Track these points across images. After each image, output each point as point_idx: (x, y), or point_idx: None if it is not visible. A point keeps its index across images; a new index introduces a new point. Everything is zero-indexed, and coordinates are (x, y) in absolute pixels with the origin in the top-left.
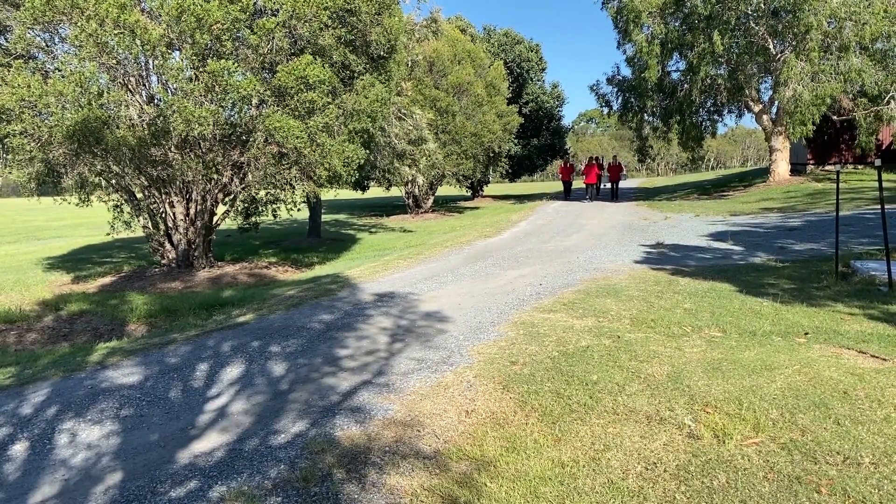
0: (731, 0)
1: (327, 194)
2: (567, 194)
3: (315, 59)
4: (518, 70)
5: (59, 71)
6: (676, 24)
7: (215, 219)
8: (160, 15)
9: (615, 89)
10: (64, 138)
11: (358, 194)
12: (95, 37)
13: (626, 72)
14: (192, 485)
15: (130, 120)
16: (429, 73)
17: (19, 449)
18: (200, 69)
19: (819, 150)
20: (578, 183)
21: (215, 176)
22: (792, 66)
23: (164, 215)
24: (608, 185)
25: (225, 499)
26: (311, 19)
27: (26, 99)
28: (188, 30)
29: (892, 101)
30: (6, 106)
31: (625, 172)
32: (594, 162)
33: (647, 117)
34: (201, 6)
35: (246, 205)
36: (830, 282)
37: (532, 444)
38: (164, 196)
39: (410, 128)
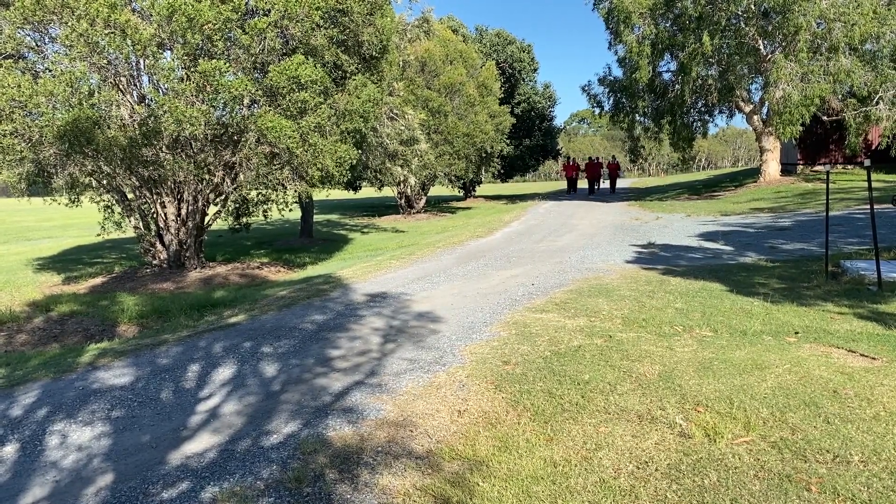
0: (722, 1)
1: (319, 194)
2: (570, 190)
3: (307, 59)
4: (510, 70)
5: (50, 71)
6: (667, 25)
7: (207, 219)
8: (151, 15)
9: (606, 90)
10: (54, 138)
11: (350, 195)
12: (86, 36)
13: (618, 72)
14: (184, 486)
15: (121, 120)
16: (421, 73)
17: (9, 451)
18: (192, 69)
19: (809, 150)
20: (581, 183)
21: (207, 176)
22: (781, 67)
23: (155, 216)
24: (606, 184)
25: (217, 500)
26: (302, 19)
27: (16, 99)
28: (179, 30)
29: (880, 101)
30: None
31: (621, 171)
32: (594, 161)
33: (638, 118)
34: (192, 6)
35: (237, 205)
36: (820, 281)
37: (524, 444)
38: (155, 196)
39: (402, 128)
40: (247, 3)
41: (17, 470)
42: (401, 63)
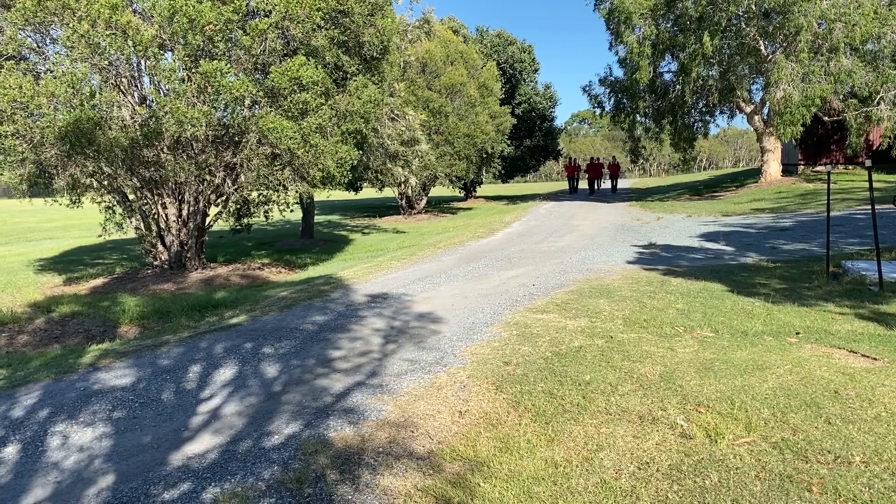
0: (722, 1)
1: (320, 195)
2: (571, 191)
3: (308, 60)
4: (511, 71)
5: (51, 72)
6: (668, 26)
7: (208, 220)
8: (152, 16)
9: (607, 90)
10: (56, 139)
11: (351, 195)
12: (87, 38)
13: (619, 73)
14: (186, 486)
15: (122, 121)
16: (421, 74)
17: (11, 451)
18: (193, 70)
19: (810, 150)
20: (582, 184)
21: (208, 177)
22: (782, 68)
23: (156, 216)
24: (607, 184)
25: (218, 500)
26: (303, 20)
27: (18, 100)
28: (180, 31)
29: (881, 102)
30: None
31: (622, 171)
32: (595, 162)
33: (639, 118)
34: (193, 7)
35: (238, 206)
36: (821, 282)
37: (525, 445)
38: (156, 197)
39: (403, 129)
40: (248, 4)
41: (19, 471)
42: (402, 64)
